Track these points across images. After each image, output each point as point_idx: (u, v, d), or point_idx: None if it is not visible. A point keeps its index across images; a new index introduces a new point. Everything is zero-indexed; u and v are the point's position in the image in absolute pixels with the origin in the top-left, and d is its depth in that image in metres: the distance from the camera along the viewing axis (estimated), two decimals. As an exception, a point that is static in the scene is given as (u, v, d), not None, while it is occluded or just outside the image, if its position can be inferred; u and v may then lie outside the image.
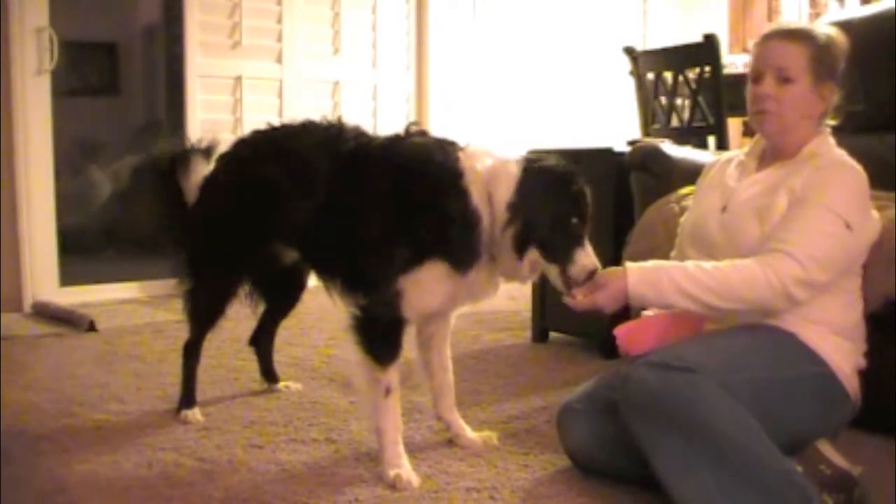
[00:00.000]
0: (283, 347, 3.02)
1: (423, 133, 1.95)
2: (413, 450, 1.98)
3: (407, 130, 1.94)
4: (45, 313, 3.66)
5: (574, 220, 1.77)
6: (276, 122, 2.19)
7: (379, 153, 1.91)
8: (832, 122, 1.81)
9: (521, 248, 1.77)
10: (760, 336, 1.64)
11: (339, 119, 2.04)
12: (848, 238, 1.65)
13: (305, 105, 4.54)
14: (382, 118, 4.85)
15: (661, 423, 1.50)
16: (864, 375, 1.71)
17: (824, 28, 1.80)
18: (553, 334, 3.20)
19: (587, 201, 1.81)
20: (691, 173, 2.05)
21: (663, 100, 3.66)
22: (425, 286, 1.80)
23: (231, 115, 4.32)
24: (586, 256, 1.76)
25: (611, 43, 5.38)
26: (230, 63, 4.30)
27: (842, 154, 1.74)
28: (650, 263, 1.68)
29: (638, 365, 1.56)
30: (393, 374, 1.82)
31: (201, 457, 1.93)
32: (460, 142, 1.90)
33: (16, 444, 2.00)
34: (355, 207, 1.88)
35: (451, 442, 2.04)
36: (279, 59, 4.46)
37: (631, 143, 2.90)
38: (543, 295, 3.14)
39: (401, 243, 1.80)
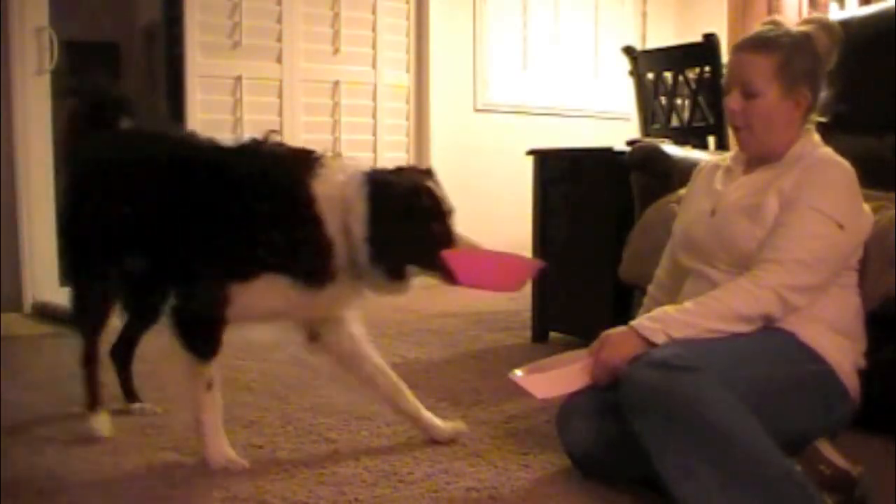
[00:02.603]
0: (283, 347, 3.02)
1: (280, 144, 1.92)
2: (413, 450, 1.99)
3: (263, 138, 1.91)
4: (45, 313, 3.66)
5: (435, 225, 1.78)
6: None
7: (231, 160, 1.89)
8: (821, 119, 1.80)
9: (394, 273, 1.79)
10: (760, 335, 1.63)
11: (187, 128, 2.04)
12: (840, 237, 1.65)
13: (305, 105, 4.55)
14: (382, 118, 4.86)
15: (663, 422, 1.50)
16: (865, 375, 1.71)
17: (796, 28, 1.77)
18: (553, 334, 3.20)
19: (440, 202, 1.81)
20: (691, 173, 2.06)
21: (663, 100, 3.66)
22: (258, 297, 1.81)
23: (231, 116, 4.32)
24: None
25: (611, 43, 5.39)
26: (230, 63, 4.30)
27: (828, 152, 1.74)
28: (649, 315, 1.67)
29: (639, 364, 1.56)
30: (213, 370, 1.84)
31: (201, 457, 1.93)
32: (319, 154, 1.86)
33: (16, 444, 2.00)
34: (201, 209, 1.85)
35: (452, 442, 2.04)
36: (279, 59, 4.46)
37: (631, 143, 2.90)
38: (543, 295, 3.14)
39: (238, 253, 1.80)
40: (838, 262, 1.68)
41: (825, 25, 1.78)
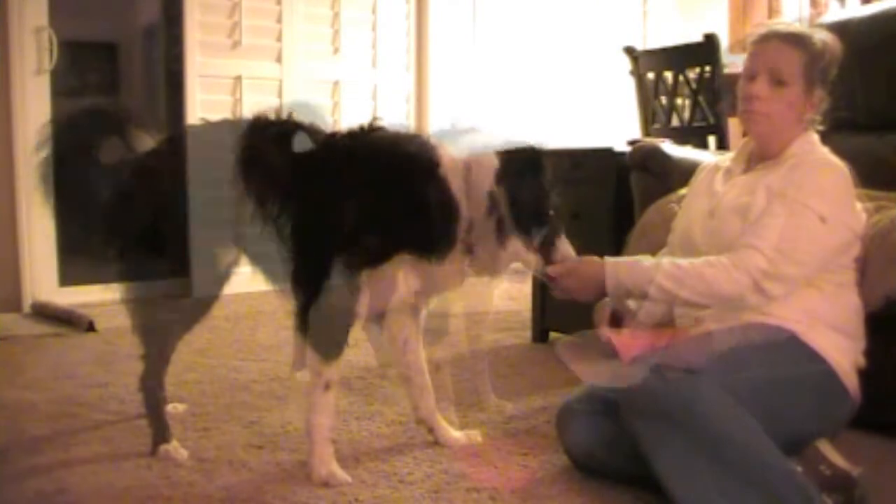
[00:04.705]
0: (283, 347, 3.02)
1: (384, 128, 1.88)
2: (413, 450, 1.99)
3: (370, 125, 1.87)
4: (45, 313, 3.66)
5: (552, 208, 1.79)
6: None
7: (345, 146, 1.85)
8: (819, 127, 1.81)
9: (503, 237, 1.76)
10: (759, 335, 1.63)
11: (290, 114, 1.94)
12: (821, 230, 1.64)
13: (305, 105, 4.55)
14: (382, 118, 4.85)
15: (662, 425, 1.50)
16: (865, 375, 1.71)
17: (820, 33, 1.79)
18: (553, 334, 3.19)
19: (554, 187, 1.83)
20: (691, 173, 2.06)
21: (663, 100, 3.66)
22: (388, 282, 1.77)
23: (231, 116, 4.31)
24: (565, 245, 1.79)
25: (611, 43, 5.38)
26: (230, 63, 4.30)
27: (823, 152, 1.75)
28: (629, 258, 1.74)
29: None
30: (334, 370, 1.79)
31: (201, 457, 1.93)
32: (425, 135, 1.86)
33: (16, 444, 2.00)
34: (321, 202, 1.78)
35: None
36: (279, 59, 4.46)
37: (631, 143, 2.90)
38: (543, 295, 3.14)
39: (370, 238, 1.74)
40: (822, 255, 1.67)
41: (834, 37, 1.80)
